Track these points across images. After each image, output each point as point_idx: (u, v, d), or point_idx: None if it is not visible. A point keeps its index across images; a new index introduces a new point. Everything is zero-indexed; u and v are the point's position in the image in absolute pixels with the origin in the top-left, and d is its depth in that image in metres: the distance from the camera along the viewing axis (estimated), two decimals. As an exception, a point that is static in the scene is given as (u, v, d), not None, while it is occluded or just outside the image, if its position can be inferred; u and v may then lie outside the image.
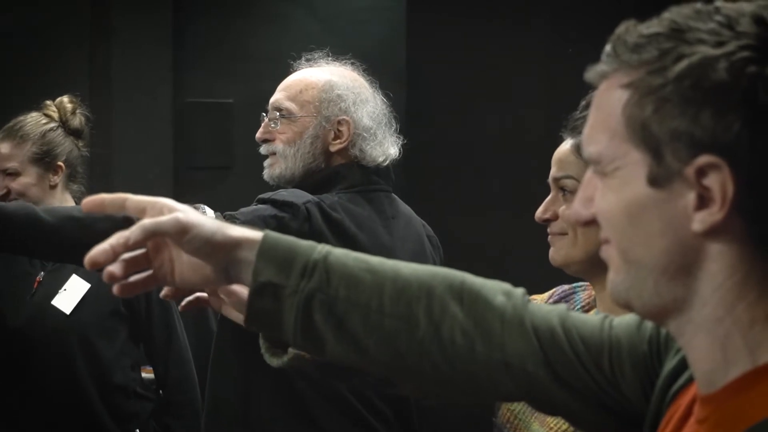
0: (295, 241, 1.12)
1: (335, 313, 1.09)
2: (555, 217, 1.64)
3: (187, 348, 2.83)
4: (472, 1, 4.88)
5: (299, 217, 2.10)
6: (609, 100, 0.91)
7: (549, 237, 1.65)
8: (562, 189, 1.64)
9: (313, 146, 2.27)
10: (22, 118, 2.82)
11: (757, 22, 0.86)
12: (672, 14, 0.89)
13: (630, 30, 0.91)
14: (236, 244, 1.09)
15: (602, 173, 0.92)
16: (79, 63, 4.59)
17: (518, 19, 4.83)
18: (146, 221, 1.07)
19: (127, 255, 1.08)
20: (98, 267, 1.06)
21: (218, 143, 4.80)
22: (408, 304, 1.09)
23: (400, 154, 2.36)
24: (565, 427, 1.57)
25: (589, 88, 0.95)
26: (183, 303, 1.39)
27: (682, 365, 1.00)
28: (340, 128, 2.27)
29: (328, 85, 2.29)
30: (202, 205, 2.01)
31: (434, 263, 2.38)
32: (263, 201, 2.13)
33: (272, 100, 2.33)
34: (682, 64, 0.86)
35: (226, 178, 4.77)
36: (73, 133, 2.85)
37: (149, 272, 1.13)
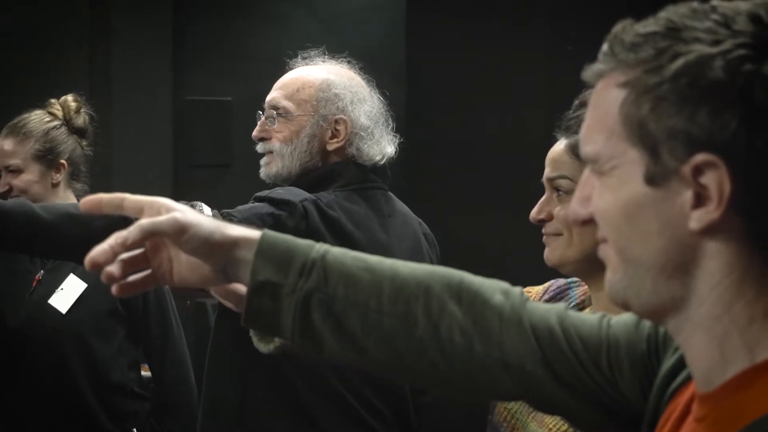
0: (294, 240, 1.12)
1: (334, 312, 1.09)
2: (550, 218, 1.63)
3: (184, 348, 2.82)
4: (472, 1, 4.88)
5: (296, 215, 2.10)
6: (606, 99, 0.91)
7: (544, 237, 1.65)
8: (557, 189, 1.63)
9: (310, 145, 2.27)
10: (26, 115, 2.82)
11: (753, 21, 0.86)
12: (668, 13, 0.89)
13: (627, 29, 0.91)
14: (234, 243, 1.09)
15: (599, 172, 0.92)
16: (79, 63, 4.59)
17: (518, 19, 4.83)
18: (144, 221, 1.07)
19: (125, 255, 1.09)
20: (98, 268, 1.06)
21: (218, 142, 4.81)
22: (406, 303, 1.09)
23: (399, 153, 2.36)
24: (565, 427, 1.57)
25: (589, 88, 0.95)
26: None
27: (681, 364, 1.00)
28: (337, 127, 2.27)
29: (325, 84, 2.29)
30: (199, 203, 2.00)
31: (431, 261, 2.38)
32: (260, 199, 2.13)
33: (269, 98, 2.33)
34: (679, 63, 0.86)
35: (225, 177, 4.77)
36: (77, 131, 2.85)
37: (148, 272, 1.13)
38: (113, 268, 1.07)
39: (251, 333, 1.37)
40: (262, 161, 2.32)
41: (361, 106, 2.29)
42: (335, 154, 2.28)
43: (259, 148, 2.33)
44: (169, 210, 1.09)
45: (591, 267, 1.56)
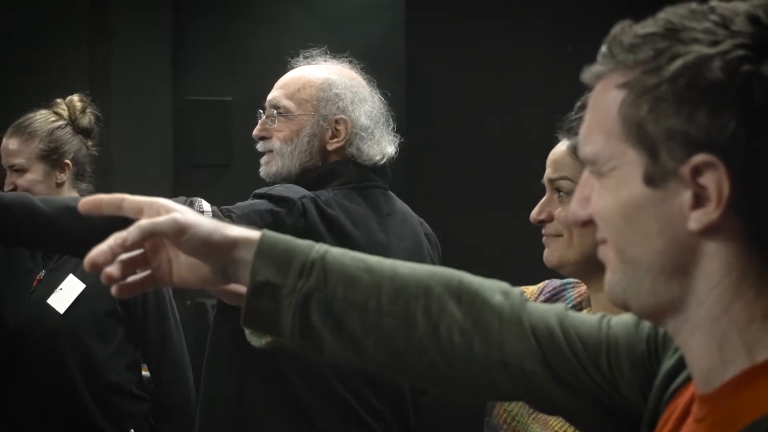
0: (293, 240, 1.12)
1: (333, 312, 1.09)
2: (550, 219, 1.63)
3: (182, 350, 2.81)
4: (472, 1, 4.88)
5: (295, 213, 2.10)
6: (605, 101, 0.91)
7: (543, 238, 1.65)
8: (558, 190, 1.63)
9: (310, 144, 2.27)
10: (31, 115, 2.83)
11: (751, 21, 0.86)
12: (667, 14, 0.89)
13: (625, 30, 0.91)
14: (234, 243, 1.09)
15: (599, 173, 0.92)
16: (79, 63, 4.59)
17: (518, 19, 4.83)
18: (144, 222, 1.07)
19: (124, 256, 1.09)
20: (98, 268, 1.06)
21: (218, 142, 4.81)
22: (406, 304, 1.09)
23: (399, 153, 2.36)
24: (572, 430, 1.57)
25: (590, 89, 0.95)
26: None
27: (680, 364, 1.00)
28: (338, 127, 2.27)
29: (326, 84, 2.29)
30: (198, 199, 2.00)
31: (432, 261, 2.38)
32: (259, 196, 2.14)
33: (270, 97, 2.33)
34: (677, 64, 0.86)
35: (225, 176, 4.77)
36: (82, 131, 2.85)
37: (147, 273, 1.13)
38: (113, 269, 1.07)
39: (245, 329, 1.37)
40: (263, 160, 2.32)
41: (362, 106, 2.29)
42: (335, 153, 2.28)
43: (260, 147, 2.33)
44: (168, 210, 1.09)
45: (591, 268, 1.56)
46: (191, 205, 1.97)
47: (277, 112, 2.30)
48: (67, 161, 2.80)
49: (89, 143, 2.87)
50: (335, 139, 2.28)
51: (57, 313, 2.67)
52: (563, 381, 1.08)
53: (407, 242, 2.33)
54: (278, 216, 2.07)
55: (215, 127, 4.79)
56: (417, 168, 4.57)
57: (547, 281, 1.77)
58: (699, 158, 0.85)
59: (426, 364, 1.09)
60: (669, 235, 0.88)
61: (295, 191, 2.14)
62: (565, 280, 1.74)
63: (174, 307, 2.81)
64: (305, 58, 2.39)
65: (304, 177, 2.26)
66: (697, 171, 0.86)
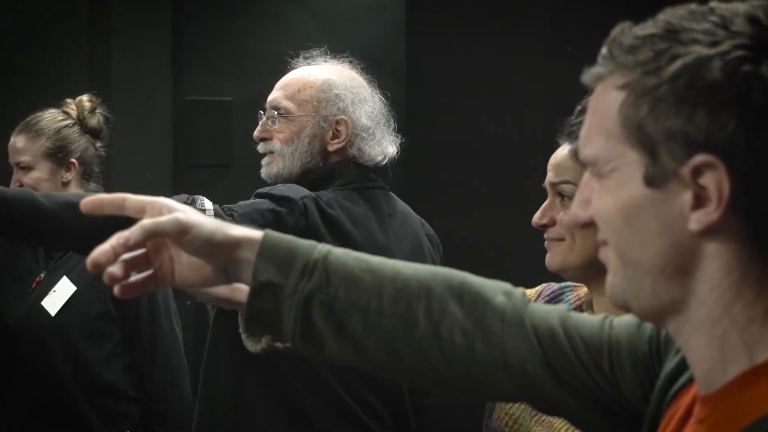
0: (296, 240, 1.12)
1: (335, 313, 1.09)
2: (552, 223, 1.63)
3: (176, 353, 2.78)
4: (472, 1, 4.88)
5: (296, 212, 2.10)
6: (605, 102, 0.91)
7: (545, 243, 1.65)
8: (560, 194, 1.63)
9: (311, 145, 2.27)
10: (39, 113, 2.83)
11: (751, 22, 0.86)
12: (667, 15, 0.89)
13: (625, 31, 0.91)
14: (236, 243, 1.09)
15: (599, 175, 0.92)
16: (79, 63, 4.58)
17: (518, 19, 4.82)
18: (146, 221, 1.08)
19: (127, 255, 1.09)
20: (100, 268, 1.06)
21: (218, 142, 4.80)
22: (407, 304, 1.09)
23: (399, 153, 2.36)
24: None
25: (589, 89, 0.95)
26: None
27: (682, 366, 1.00)
28: (338, 128, 2.27)
29: (326, 85, 2.29)
30: (200, 197, 2.01)
31: (433, 262, 2.38)
32: (261, 195, 2.14)
33: (270, 98, 2.33)
34: (677, 64, 0.86)
35: (225, 176, 4.76)
36: (90, 131, 2.85)
37: (149, 272, 1.14)
38: (115, 269, 1.07)
39: (241, 332, 1.37)
40: (263, 161, 2.32)
41: (362, 106, 2.29)
42: (336, 154, 2.28)
43: (260, 148, 2.33)
44: (170, 210, 1.09)
45: (593, 272, 1.55)
46: (193, 203, 1.98)
47: (278, 113, 2.30)
48: (73, 160, 2.80)
49: (97, 144, 2.87)
50: (336, 140, 2.28)
51: (49, 314, 2.67)
52: (564, 381, 1.08)
53: (407, 243, 2.33)
54: (279, 215, 2.08)
55: (215, 127, 4.79)
56: (417, 168, 4.56)
57: (544, 285, 1.77)
58: (699, 158, 0.85)
59: (427, 364, 1.09)
60: (669, 236, 0.88)
61: (296, 191, 2.15)
62: (563, 284, 1.74)
63: (171, 310, 2.79)
64: (305, 58, 2.39)
65: (305, 178, 2.26)
66: (697, 171, 0.86)
